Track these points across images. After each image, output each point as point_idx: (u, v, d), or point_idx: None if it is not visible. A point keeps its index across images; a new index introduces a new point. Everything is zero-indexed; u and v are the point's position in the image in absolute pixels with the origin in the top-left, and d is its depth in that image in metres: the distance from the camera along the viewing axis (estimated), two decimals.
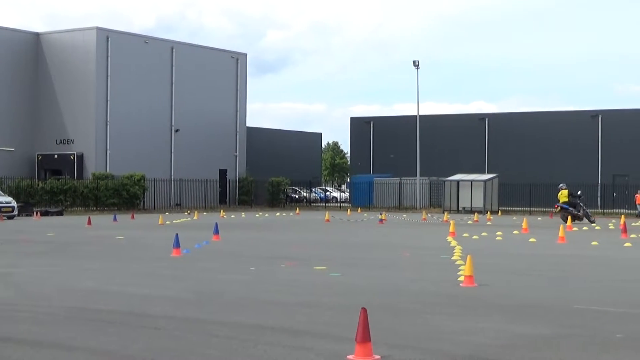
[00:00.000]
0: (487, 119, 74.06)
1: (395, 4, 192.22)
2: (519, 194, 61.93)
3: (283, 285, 15.76)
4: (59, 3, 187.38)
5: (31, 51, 61.66)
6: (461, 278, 16.15)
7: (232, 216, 51.24)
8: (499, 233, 32.99)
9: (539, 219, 50.56)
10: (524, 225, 35.87)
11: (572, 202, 44.46)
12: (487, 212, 55.47)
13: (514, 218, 50.57)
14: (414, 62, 65.87)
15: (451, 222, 35.53)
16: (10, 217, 44.79)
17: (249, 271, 18.16)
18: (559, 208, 44.61)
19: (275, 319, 11.71)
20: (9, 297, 14.01)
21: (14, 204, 46.17)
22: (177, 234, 22.92)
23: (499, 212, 58.70)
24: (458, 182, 61.18)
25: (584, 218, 44.19)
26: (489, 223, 43.57)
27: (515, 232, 34.62)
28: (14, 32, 61.89)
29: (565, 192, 44.57)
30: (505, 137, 72.06)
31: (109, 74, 59.96)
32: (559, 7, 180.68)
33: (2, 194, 47.57)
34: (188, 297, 13.96)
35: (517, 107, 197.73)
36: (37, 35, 62.63)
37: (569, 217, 41.40)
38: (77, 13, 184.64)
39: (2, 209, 44.73)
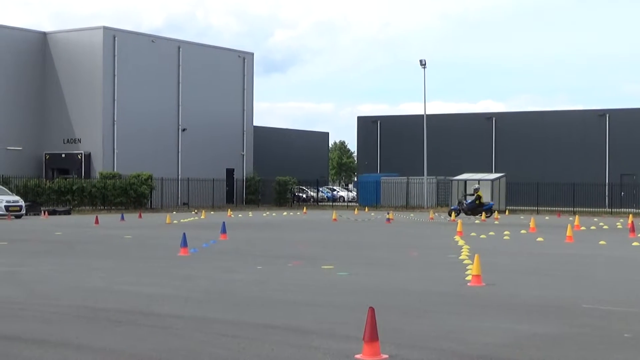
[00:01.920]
0: (494, 118, 73.99)
1: (402, 3, 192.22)
2: (526, 193, 61.81)
3: (290, 284, 15.76)
4: (67, 2, 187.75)
5: (38, 50, 61.76)
6: (469, 277, 16.14)
7: (240, 215, 51.25)
8: (506, 232, 32.94)
9: (547, 218, 50.48)
10: (531, 224, 35.80)
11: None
12: (494, 212, 55.42)
13: (522, 217, 50.50)
14: (421, 61, 65.79)
15: (458, 221, 35.50)
16: (18, 217, 44.90)
17: (256, 270, 18.16)
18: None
19: (283, 318, 11.70)
20: (17, 296, 14.04)
21: (21, 203, 46.26)
22: (184, 233, 22.92)
23: (507, 211, 58.59)
24: (465, 181, 61.07)
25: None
26: (496, 222, 43.51)
27: (522, 231, 34.57)
28: (22, 32, 62.01)
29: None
30: (513, 136, 72.00)
31: (116, 73, 60.01)
32: (566, 6, 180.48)
33: (10, 193, 47.63)
34: (195, 296, 13.96)
35: (525, 106, 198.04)
36: (44, 34, 62.72)
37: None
38: (85, 12, 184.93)
39: (10, 208, 44.83)
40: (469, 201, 47.35)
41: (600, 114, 69.49)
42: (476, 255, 16.06)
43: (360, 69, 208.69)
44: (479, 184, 52.54)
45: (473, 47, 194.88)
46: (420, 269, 18.80)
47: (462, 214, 46.87)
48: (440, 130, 72.58)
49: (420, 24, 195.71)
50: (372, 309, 8.93)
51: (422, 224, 42.62)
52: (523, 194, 61.87)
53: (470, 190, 50.86)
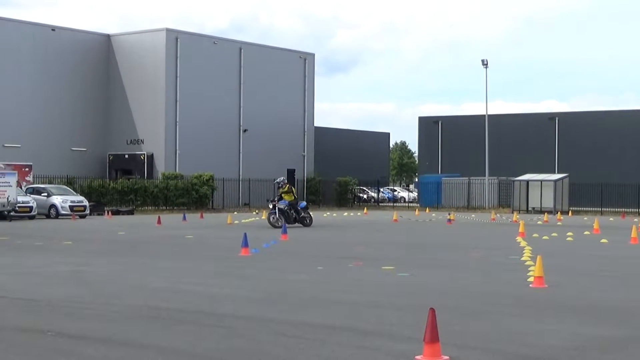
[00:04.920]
0: (557, 118, 73.18)
1: (465, 4, 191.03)
2: (590, 194, 61.02)
3: (351, 285, 15.74)
4: (132, 6, 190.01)
5: (102, 52, 62.58)
6: (531, 279, 15.97)
7: None
8: (569, 233, 32.54)
9: (611, 219, 49.77)
10: (595, 225, 35.33)
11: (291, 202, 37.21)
12: (557, 213, 54.81)
13: (585, 218, 49.85)
14: (483, 61, 65.42)
15: (521, 222, 35.17)
16: (83, 216, 45.54)
17: (316, 271, 18.18)
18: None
19: (343, 318, 11.70)
20: (81, 295, 14.23)
21: (86, 203, 46.94)
22: (245, 234, 23.02)
23: (570, 212, 57.92)
24: (527, 182, 60.52)
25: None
26: (559, 223, 43.02)
27: (586, 232, 34.13)
28: (86, 34, 62.89)
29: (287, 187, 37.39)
30: (576, 136, 71.12)
31: (178, 75, 60.58)
32: (632, 5, 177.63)
33: (75, 193, 48.37)
34: (256, 297, 14.02)
35: (590, 106, 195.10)
36: (108, 37, 63.54)
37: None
38: (150, 15, 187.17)
39: (75, 208, 45.52)
40: (286, 202, 36.88)
41: None
42: (538, 257, 15.89)
43: (423, 70, 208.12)
44: (284, 177, 40.86)
45: (536, 47, 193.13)
46: (481, 270, 18.66)
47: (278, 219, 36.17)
48: (502, 130, 72.01)
49: (484, 24, 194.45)
50: (432, 310, 8.89)
51: (483, 224, 42.31)
52: (586, 195, 61.08)
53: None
